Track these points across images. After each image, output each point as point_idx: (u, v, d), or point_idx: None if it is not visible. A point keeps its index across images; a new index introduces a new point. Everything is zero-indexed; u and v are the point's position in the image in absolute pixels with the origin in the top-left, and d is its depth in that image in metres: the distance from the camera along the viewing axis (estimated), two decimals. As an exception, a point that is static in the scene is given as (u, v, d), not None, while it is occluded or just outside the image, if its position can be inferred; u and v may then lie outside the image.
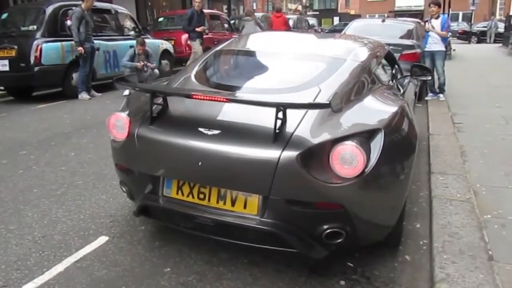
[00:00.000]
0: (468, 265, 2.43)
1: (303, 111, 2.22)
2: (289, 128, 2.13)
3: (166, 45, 10.95)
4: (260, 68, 2.96)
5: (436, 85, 7.59)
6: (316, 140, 2.09)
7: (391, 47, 7.39)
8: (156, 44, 10.51)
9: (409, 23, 8.78)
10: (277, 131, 2.07)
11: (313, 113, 2.21)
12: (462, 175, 3.84)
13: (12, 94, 8.50)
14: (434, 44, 7.41)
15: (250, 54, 3.22)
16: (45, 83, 8.09)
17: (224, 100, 2.16)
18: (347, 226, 2.16)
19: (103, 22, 9.53)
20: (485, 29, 26.54)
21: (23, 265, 2.53)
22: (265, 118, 2.12)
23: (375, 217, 2.29)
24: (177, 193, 2.34)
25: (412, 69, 3.97)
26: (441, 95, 7.48)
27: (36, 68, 7.58)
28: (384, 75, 3.36)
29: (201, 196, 2.28)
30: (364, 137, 2.16)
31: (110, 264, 2.55)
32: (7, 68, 7.66)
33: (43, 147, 4.88)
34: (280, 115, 2.08)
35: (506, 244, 2.65)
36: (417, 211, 3.36)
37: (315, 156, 2.07)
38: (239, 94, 2.47)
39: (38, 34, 7.74)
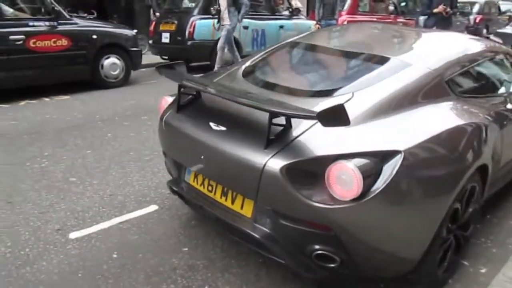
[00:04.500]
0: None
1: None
2: (291, 135, 1.98)
3: (320, 27, 10.88)
4: (309, 67, 2.77)
5: None
6: (312, 154, 1.90)
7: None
8: (308, 25, 10.52)
9: None
10: (272, 137, 1.96)
11: None
12: None
13: (174, 64, 9.64)
14: None
15: (307, 50, 2.98)
16: (196, 56, 8.93)
17: (225, 98, 2.11)
18: (341, 252, 1.95)
19: (254, 1, 9.91)
20: None
21: (81, 216, 2.99)
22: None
23: (381, 247, 1.99)
24: (193, 181, 2.43)
25: None
26: None
27: (189, 42, 8.45)
28: (477, 86, 2.79)
29: (210, 188, 2.32)
30: (375, 157, 1.88)
31: (144, 232, 2.82)
32: (167, 41, 8.75)
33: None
34: (278, 121, 1.95)
35: None
36: (495, 252, 2.77)
37: (307, 171, 1.90)
38: (261, 92, 2.36)
39: (195, 11, 8.57)
